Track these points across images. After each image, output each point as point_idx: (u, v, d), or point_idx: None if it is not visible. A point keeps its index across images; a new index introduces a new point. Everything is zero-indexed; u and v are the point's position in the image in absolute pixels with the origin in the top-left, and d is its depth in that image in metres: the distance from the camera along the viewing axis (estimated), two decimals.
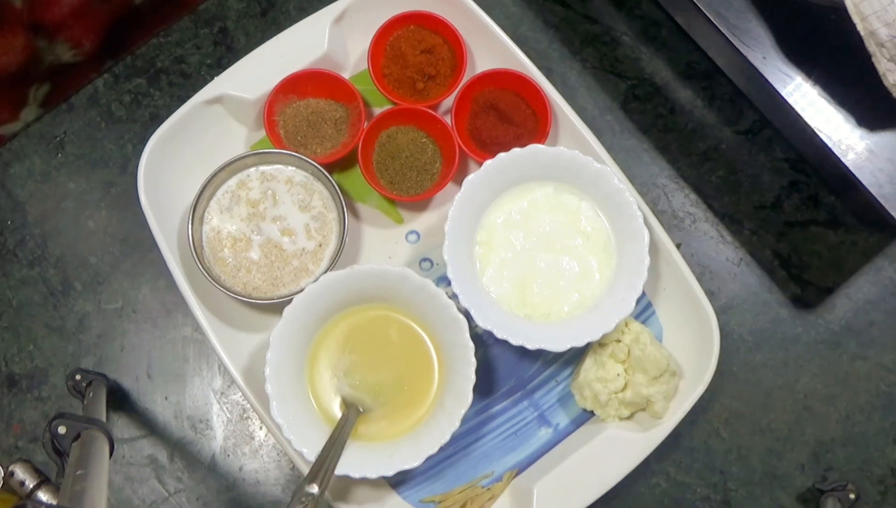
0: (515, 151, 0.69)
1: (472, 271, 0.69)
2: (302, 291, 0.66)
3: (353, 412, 0.65)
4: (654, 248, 0.71)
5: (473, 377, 0.65)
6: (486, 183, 0.69)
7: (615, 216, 0.70)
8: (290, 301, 0.66)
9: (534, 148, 0.69)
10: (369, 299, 0.68)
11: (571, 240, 0.70)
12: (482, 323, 0.66)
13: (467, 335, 0.65)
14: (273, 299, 0.69)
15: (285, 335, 0.65)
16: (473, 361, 0.65)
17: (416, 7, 0.75)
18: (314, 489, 0.58)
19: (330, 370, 0.68)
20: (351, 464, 0.64)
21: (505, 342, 0.66)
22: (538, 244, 0.70)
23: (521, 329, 0.67)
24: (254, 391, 0.68)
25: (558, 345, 0.66)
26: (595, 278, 0.69)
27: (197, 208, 0.70)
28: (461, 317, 0.65)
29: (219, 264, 0.70)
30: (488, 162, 0.68)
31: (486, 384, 0.72)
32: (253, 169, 0.72)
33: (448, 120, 0.73)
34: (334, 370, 0.68)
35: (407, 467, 0.64)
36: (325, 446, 0.62)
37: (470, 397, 0.64)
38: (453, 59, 0.75)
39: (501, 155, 0.68)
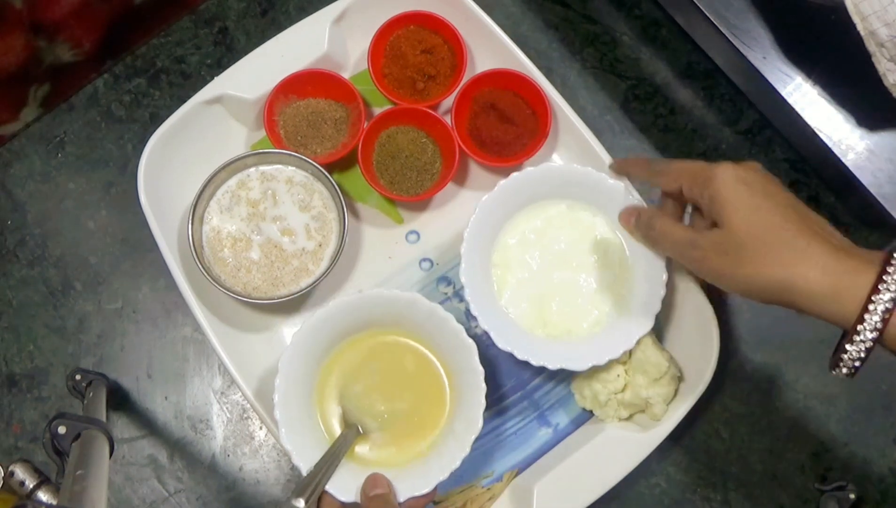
0: (528, 169, 0.68)
1: (490, 293, 0.69)
2: (302, 291, 0.66)
3: (351, 432, 0.65)
4: None
5: (484, 403, 0.64)
6: (500, 203, 0.69)
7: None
8: (290, 301, 0.65)
9: (547, 166, 0.69)
10: (379, 323, 0.67)
11: (587, 257, 0.70)
12: (502, 345, 0.65)
13: (477, 359, 0.64)
14: (273, 299, 0.69)
15: (294, 361, 0.65)
16: (483, 386, 0.64)
17: (415, 7, 0.75)
18: (300, 503, 0.57)
19: (339, 394, 0.67)
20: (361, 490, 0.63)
21: None
22: (554, 263, 0.69)
23: (541, 349, 0.67)
24: (254, 391, 0.68)
25: (579, 364, 0.66)
26: (613, 295, 0.69)
27: (197, 208, 0.70)
28: (471, 342, 0.65)
29: (219, 264, 0.70)
30: (502, 182, 0.68)
31: (486, 385, 0.72)
32: (253, 169, 0.72)
33: (448, 120, 0.73)
34: (344, 393, 0.67)
35: (418, 494, 0.63)
36: (318, 462, 0.61)
37: (480, 422, 0.64)
38: (453, 60, 0.75)
39: (515, 175, 0.68)
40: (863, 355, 0.52)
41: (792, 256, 0.53)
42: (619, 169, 0.68)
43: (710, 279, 0.58)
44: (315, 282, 0.69)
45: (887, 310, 0.50)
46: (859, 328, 0.51)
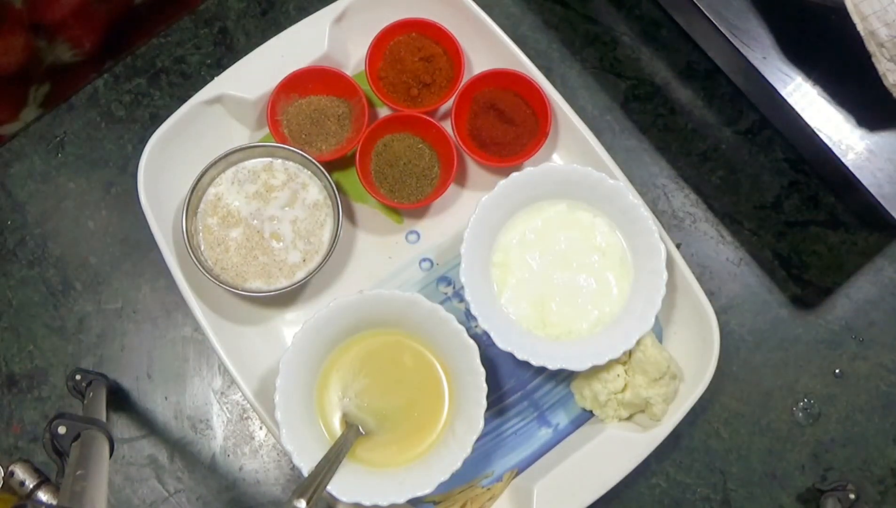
0: (529, 169, 0.69)
1: (490, 293, 0.69)
2: (296, 284, 0.67)
3: (352, 433, 0.65)
4: None
5: (484, 403, 0.64)
6: (500, 204, 0.69)
7: (630, 232, 0.69)
8: (286, 293, 0.65)
9: (547, 166, 0.69)
10: (379, 323, 0.68)
11: (587, 257, 0.70)
12: (502, 345, 0.66)
13: (478, 360, 0.64)
14: (269, 291, 0.69)
15: (294, 362, 0.65)
16: (484, 387, 0.64)
17: (415, 8, 0.75)
18: (302, 504, 0.57)
19: (339, 394, 0.67)
20: (362, 490, 0.63)
21: None
22: (554, 263, 0.70)
23: (541, 349, 0.67)
24: (254, 392, 0.68)
25: (579, 364, 0.66)
26: (613, 295, 0.69)
27: (209, 171, 0.70)
28: (472, 342, 0.65)
29: (204, 231, 0.70)
30: (502, 182, 0.68)
31: (486, 385, 0.72)
32: (279, 161, 0.72)
33: (443, 124, 0.73)
34: (344, 393, 0.67)
35: (419, 494, 0.63)
36: (319, 462, 0.61)
37: (481, 423, 0.64)
38: (451, 70, 0.75)
39: (515, 175, 0.68)
40: None
41: None
42: None
43: None
44: (305, 278, 0.69)
45: None
46: None
